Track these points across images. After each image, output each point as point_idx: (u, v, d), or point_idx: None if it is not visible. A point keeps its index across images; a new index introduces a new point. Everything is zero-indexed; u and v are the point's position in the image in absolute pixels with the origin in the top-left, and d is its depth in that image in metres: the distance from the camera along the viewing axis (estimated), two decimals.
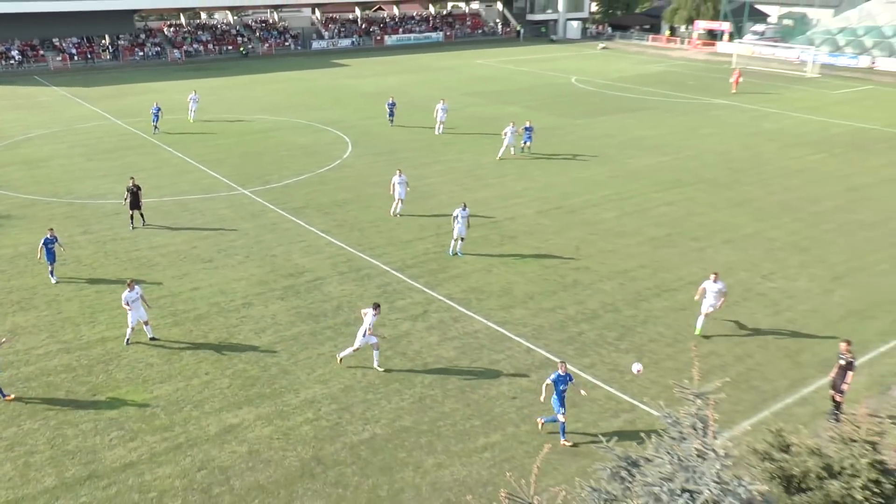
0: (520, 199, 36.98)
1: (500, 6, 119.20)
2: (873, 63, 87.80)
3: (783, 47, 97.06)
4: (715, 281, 23.89)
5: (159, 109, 50.97)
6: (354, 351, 22.22)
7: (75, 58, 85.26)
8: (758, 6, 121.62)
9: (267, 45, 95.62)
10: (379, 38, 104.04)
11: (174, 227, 33.21)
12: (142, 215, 33.26)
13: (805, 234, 33.23)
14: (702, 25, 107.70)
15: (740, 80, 70.26)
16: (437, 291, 27.11)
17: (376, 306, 21.80)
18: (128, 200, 32.46)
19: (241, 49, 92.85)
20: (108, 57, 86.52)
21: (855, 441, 13.82)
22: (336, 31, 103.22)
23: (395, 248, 30.97)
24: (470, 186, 38.91)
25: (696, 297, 24.71)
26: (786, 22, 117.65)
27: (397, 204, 34.66)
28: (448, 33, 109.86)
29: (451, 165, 42.69)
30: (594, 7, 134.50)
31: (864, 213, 36.16)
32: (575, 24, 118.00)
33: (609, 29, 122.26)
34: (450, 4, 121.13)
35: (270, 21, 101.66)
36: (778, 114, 59.26)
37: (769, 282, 28.43)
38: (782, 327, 24.93)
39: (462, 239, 30.05)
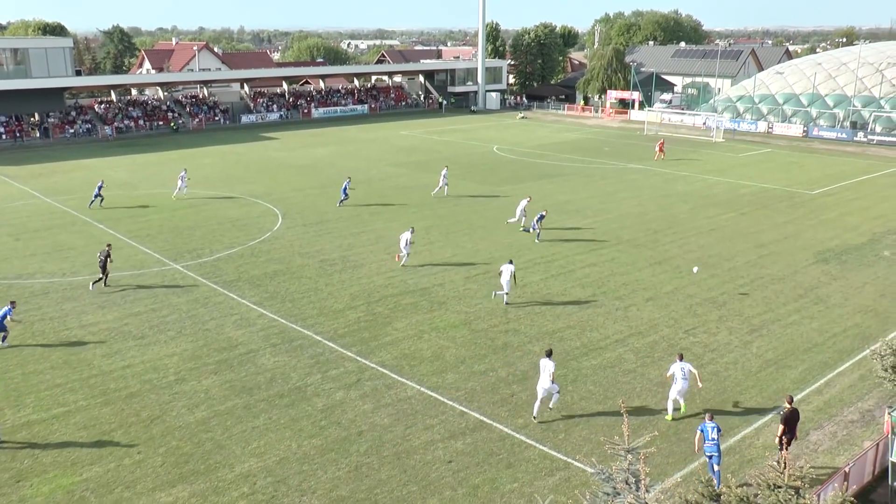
0: (448, 265, 36.94)
1: (422, 79, 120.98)
2: (770, 128, 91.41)
3: (690, 114, 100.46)
4: (681, 360, 22.95)
5: (102, 185, 50.79)
6: (541, 401, 22.72)
7: (3, 137, 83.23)
8: (664, 76, 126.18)
9: (197, 119, 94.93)
10: (306, 111, 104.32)
11: (105, 304, 32.16)
12: (106, 278, 34.21)
13: (721, 289, 33.87)
14: (614, 95, 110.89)
15: (664, 149, 70.58)
16: (370, 359, 26.67)
17: (550, 353, 22.79)
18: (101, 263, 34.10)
19: (172, 124, 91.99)
20: (37, 135, 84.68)
21: (780, 487, 13.85)
22: (264, 104, 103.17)
23: (326, 317, 30.48)
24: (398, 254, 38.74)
25: (668, 375, 23.47)
26: (690, 91, 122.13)
27: (404, 257, 37.00)
28: (373, 105, 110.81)
29: (379, 234, 42.55)
30: (511, 79, 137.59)
31: (773, 267, 37.12)
32: (494, 95, 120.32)
33: (526, 100, 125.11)
34: (374, 78, 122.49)
35: (200, 96, 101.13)
36: (689, 176, 60.91)
37: (692, 336, 28.77)
38: (706, 380, 25.14)
39: (507, 293, 31.78)
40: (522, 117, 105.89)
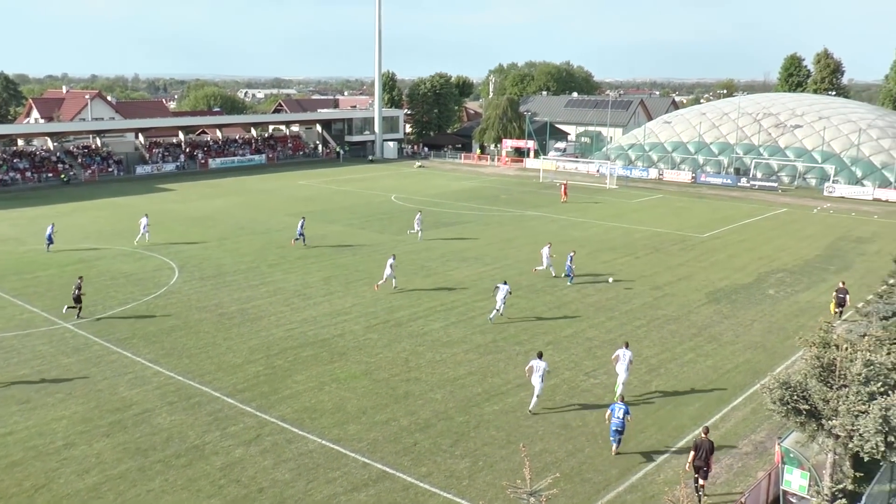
0: (348, 316, 36.72)
1: (319, 128, 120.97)
2: (661, 175, 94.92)
3: (584, 162, 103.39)
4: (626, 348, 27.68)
5: (53, 230, 52.14)
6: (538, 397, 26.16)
7: None
8: (558, 125, 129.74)
9: (89, 171, 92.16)
10: (203, 161, 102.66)
11: None
12: (79, 308, 36.58)
13: (619, 331, 34.68)
14: (509, 144, 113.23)
15: (567, 191, 75.36)
16: (270, 414, 26.13)
17: (541, 355, 26.33)
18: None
19: (63, 176, 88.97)
20: None
21: None
22: (160, 155, 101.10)
23: (225, 372, 29.77)
24: (297, 306, 38.33)
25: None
26: (584, 139, 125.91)
27: (390, 281, 41.10)
28: (270, 155, 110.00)
29: (277, 286, 42.00)
30: (408, 128, 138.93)
31: (668, 308, 38.29)
32: (392, 144, 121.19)
33: (425, 148, 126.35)
34: (271, 127, 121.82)
35: (93, 146, 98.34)
36: (585, 222, 62.51)
37: (592, 378, 29.29)
38: (605, 420, 25.58)
39: (498, 309, 35.53)
40: (420, 166, 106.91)
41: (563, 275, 44.13)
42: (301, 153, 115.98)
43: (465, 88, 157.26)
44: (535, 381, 26.05)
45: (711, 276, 45.33)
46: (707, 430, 21.93)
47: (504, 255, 49.86)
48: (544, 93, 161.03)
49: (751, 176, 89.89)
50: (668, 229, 59.78)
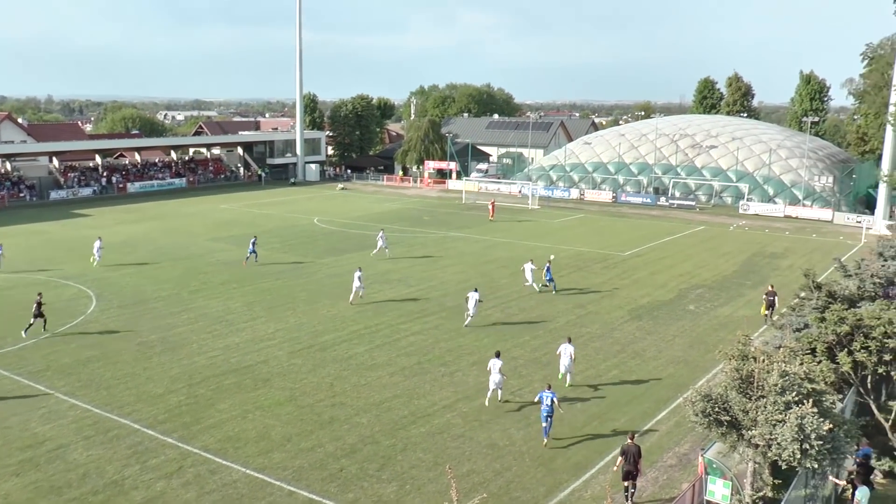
0: (271, 342, 36.22)
1: (240, 151, 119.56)
2: (582, 195, 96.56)
3: (506, 183, 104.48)
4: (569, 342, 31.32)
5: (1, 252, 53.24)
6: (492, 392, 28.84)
7: None
8: (480, 147, 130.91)
9: None
10: (122, 185, 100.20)
11: None
12: (44, 322, 38.02)
13: (545, 349, 35.02)
14: (431, 165, 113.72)
15: (494, 209, 77.89)
16: (192, 444, 25.53)
17: (498, 354, 29.29)
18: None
19: None
20: None
21: None
22: (76, 179, 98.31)
23: (145, 403, 28.99)
24: (220, 333, 37.64)
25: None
26: (505, 160, 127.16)
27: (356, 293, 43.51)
28: (191, 179, 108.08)
29: (200, 313, 41.19)
30: (330, 150, 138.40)
31: (592, 326, 38.87)
32: (314, 166, 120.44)
33: (347, 171, 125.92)
34: (191, 150, 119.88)
35: (3, 171, 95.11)
36: (509, 243, 63.09)
37: (517, 397, 29.48)
38: (534, 438, 25.76)
39: (472, 315, 38.37)
40: (342, 188, 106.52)
41: (543, 284, 46.93)
42: (222, 176, 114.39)
43: (386, 110, 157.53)
44: (494, 378, 28.72)
45: (633, 293, 46.21)
46: (633, 436, 22.62)
47: (429, 277, 49.94)
48: (465, 114, 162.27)
49: (669, 195, 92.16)
50: (591, 248, 60.78)
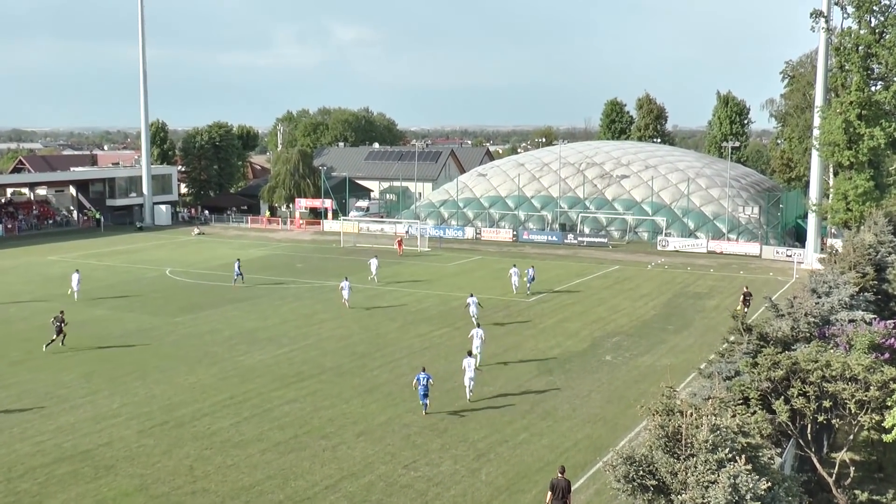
0: (116, 419, 34.93)
1: (73, 191, 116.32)
2: (478, 234, 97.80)
3: (390, 222, 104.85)
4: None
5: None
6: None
7: None
8: (359, 181, 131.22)
9: None
10: None
11: None
12: (63, 339, 46.46)
13: (442, 413, 34.94)
14: (304, 204, 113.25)
15: (402, 246, 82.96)
16: None
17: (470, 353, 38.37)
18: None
19: None
20: None
21: None
22: None
23: None
24: (50, 412, 36.02)
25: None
26: (389, 196, 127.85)
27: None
28: (9, 226, 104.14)
29: (23, 389, 39.39)
30: (184, 188, 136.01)
31: (496, 383, 39.08)
32: (164, 208, 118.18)
33: (205, 212, 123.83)
34: (9, 191, 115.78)
35: None
36: (395, 291, 63.12)
37: (412, 471, 29.24)
38: None
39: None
40: (199, 233, 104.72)
41: (527, 289, 60.45)
42: (50, 222, 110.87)
43: (249, 140, 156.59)
44: (469, 374, 36.56)
45: (541, 344, 46.79)
46: (563, 470, 23.90)
47: (305, 335, 49.38)
48: (341, 144, 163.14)
49: (578, 231, 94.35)
50: (490, 294, 61.34)
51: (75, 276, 61.92)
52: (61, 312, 47.75)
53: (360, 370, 41.67)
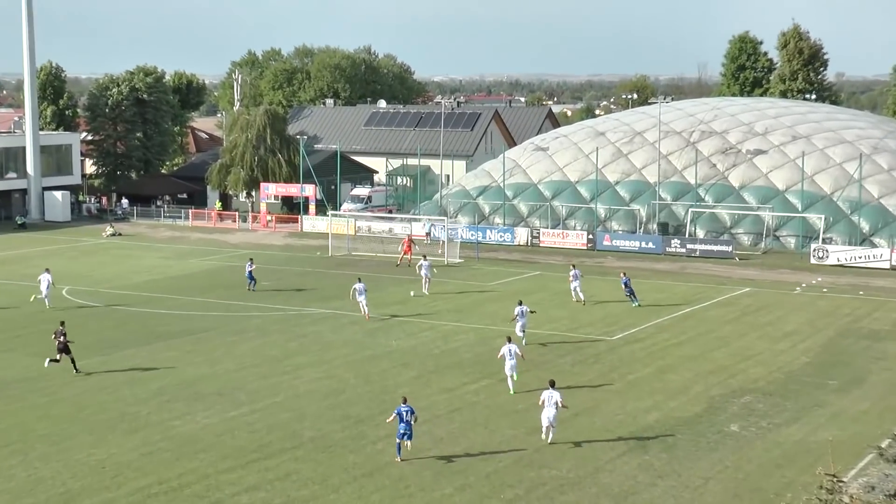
0: None
1: None
2: (535, 237, 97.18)
3: (403, 219, 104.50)
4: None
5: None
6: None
7: None
8: (356, 157, 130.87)
9: None
10: None
11: None
12: (73, 360, 51.81)
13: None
14: (273, 190, 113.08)
15: (412, 249, 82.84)
16: None
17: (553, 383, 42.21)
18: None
19: None
20: None
21: None
22: None
23: None
24: None
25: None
26: (401, 180, 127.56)
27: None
28: None
29: None
30: (91, 166, 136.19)
31: (560, 465, 38.80)
32: (59, 195, 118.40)
33: (122, 202, 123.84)
34: None
35: None
36: (409, 322, 62.96)
37: None
38: None
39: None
40: (114, 234, 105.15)
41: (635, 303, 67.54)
42: None
43: (191, 94, 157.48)
44: (548, 414, 40.81)
45: (631, 405, 46.40)
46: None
47: (273, 388, 49.31)
48: (329, 101, 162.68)
49: (687, 235, 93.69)
50: (553, 329, 61.07)
51: (45, 278, 68.55)
52: (62, 324, 53.12)
53: (355, 442, 41.45)
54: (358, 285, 64.69)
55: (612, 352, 56.36)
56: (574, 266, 72.30)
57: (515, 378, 48.22)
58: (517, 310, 57.58)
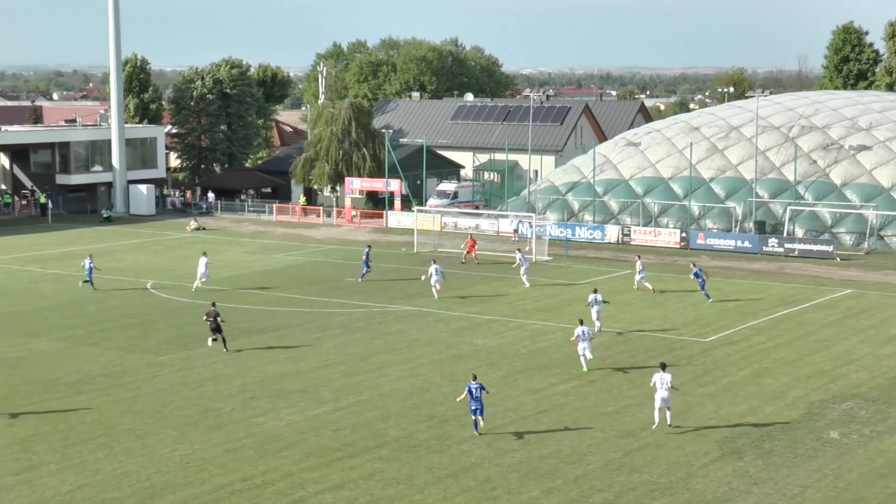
0: None
1: (5, 161, 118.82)
2: (625, 235, 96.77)
3: (490, 215, 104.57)
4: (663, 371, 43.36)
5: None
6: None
7: None
8: (442, 151, 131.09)
9: None
10: None
11: None
12: (223, 339, 56.00)
13: None
14: (357, 185, 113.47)
15: (475, 248, 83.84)
16: None
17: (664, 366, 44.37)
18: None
19: None
20: None
21: None
22: None
23: None
24: None
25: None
26: (488, 175, 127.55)
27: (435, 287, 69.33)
28: None
29: None
30: (175, 160, 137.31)
31: (651, 469, 38.56)
32: (144, 189, 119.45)
33: (208, 196, 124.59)
34: None
35: None
36: (495, 322, 62.98)
37: None
38: None
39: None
40: (197, 228, 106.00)
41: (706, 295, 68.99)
42: None
43: (275, 88, 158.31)
44: (661, 395, 42.57)
45: (725, 409, 46.06)
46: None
47: (355, 386, 49.53)
48: (415, 94, 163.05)
49: (786, 234, 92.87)
50: (644, 328, 60.84)
51: (202, 260, 74.07)
52: (213, 305, 57.47)
53: (440, 443, 41.52)
54: (433, 266, 70.54)
55: (706, 354, 55.97)
56: (639, 256, 76.20)
57: (590, 357, 51.76)
58: (590, 297, 60.76)
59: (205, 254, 75.36)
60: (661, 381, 42.38)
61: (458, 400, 43.53)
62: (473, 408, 41.66)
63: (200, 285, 73.18)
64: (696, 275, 69.54)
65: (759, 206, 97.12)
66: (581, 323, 52.75)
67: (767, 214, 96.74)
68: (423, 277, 72.43)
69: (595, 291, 61.42)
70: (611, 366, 53.14)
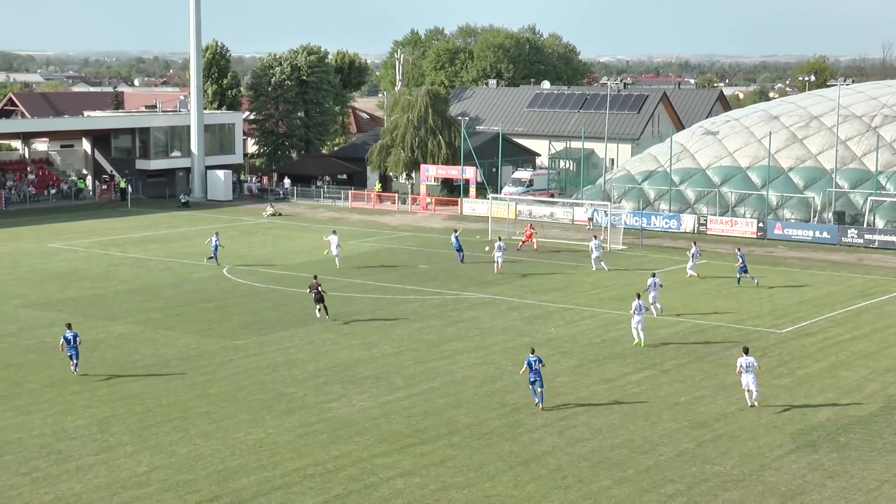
0: (142, 490, 35.60)
1: (87, 146, 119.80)
2: (701, 225, 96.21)
3: (564, 203, 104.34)
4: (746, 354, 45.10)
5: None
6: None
7: None
8: (517, 139, 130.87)
9: None
10: None
11: None
12: (325, 308, 60.18)
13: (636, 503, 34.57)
14: (433, 172, 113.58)
15: (533, 237, 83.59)
16: None
17: (747, 350, 45.78)
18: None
19: None
20: None
21: None
22: None
23: None
24: (46, 474, 37.15)
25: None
26: (564, 163, 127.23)
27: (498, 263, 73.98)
28: None
29: (10, 437, 40.79)
30: (252, 146, 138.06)
31: (724, 461, 38.37)
32: (222, 175, 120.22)
33: (284, 181, 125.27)
34: None
35: None
36: (568, 310, 62.93)
37: None
38: None
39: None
40: (274, 214, 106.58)
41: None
42: (53, 191, 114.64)
43: (353, 74, 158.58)
44: (747, 378, 44.35)
45: (800, 401, 45.69)
46: None
47: (427, 373, 49.65)
48: (492, 82, 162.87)
49: (866, 225, 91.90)
50: (718, 319, 60.54)
51: (334, 239, 78.02)
52: (315, 277, 61.95)
53: (512, 431, 41.55)
54: (499, 242, 75.87)
55: (782, 345, 55.57)
56: (695, 243, 78.50)
57: (642, 334, 54.53)
58: (650, 281, 62.08)
59: (334, 232, 79.86)
60: (747, 365, 44.06)
61: (520, 373, 45.26)
62: (532, 380, 43.76)
63: (338, 264, 76.92)
64: (742, 259, 72.02)
65: (838, 197, 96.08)
66: (638, 297, 54.99)
67: (847, 205, 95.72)
68: (486, 248, 77.98)
69: (654, 275, 63.05)
70: (685, 355, 52.92)
